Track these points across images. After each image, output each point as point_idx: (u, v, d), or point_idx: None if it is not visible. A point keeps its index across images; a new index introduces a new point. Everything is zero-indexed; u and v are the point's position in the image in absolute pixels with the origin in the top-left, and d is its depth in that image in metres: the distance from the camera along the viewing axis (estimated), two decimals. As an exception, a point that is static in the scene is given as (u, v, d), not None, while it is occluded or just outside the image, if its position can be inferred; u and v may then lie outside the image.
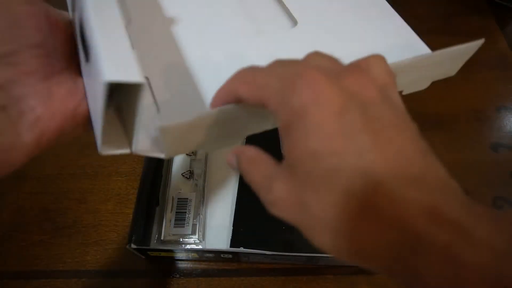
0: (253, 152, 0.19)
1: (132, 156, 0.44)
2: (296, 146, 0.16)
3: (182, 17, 0.27)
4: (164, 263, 0.40)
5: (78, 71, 0.22)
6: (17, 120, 0.19)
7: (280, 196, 0.17)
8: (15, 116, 0.19)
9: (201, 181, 0.41)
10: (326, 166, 0.15)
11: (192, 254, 0.38)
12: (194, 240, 0.38)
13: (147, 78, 0.24)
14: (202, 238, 0.38)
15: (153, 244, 0.38)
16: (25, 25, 0.19)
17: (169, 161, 0.43)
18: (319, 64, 0.17)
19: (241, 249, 0.37)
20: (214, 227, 0.39)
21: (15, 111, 0.19)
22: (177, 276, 0.39)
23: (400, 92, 0.23)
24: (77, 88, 0.21)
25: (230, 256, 0.38)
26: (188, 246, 0.38)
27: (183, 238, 0.38)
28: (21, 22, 0.19)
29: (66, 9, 0.23)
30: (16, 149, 0.19)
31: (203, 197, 0.40)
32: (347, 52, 0.20)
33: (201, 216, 0.39)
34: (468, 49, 0.22)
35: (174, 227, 0.38)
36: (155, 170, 0.41)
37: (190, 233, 0.38)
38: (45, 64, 0.20)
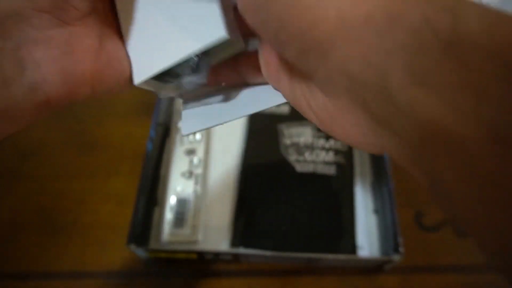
0: None
1: (131, 156, 0.44)
2: None
3: None
4: (164, 264, 0.39)
5: (105, 18, 0.17)
6: (13, 77, 0.13)
7: None
8: (11, 70, 0.13)
9: (200, 181, 0.41)
10: None
11: (192, 254, 0.38)
12: (194, 241, 0.38)
13: None
14: (202, 238, 0.38)
15: (153, 245, 0.38)
16: None
17: (169, 162, 0.43)
18: None
19: (241, 250, 0.37)
20: (214, 227, 0.39)
21: (11, 62, 0.13)
22: (177, 276, 0.39)
23: None
24: (102, 47, 0.16)
25: (230, 256, 0.38)
26: (187, 247, 0.38)
27: (182, 238, 0.38)
28: None
29: None
30: (8, 116, 0.14)
31: (202, 198, 0.40)
32: None
33: (200, 216, 0.39)
34: None
35: (174, 227, 0.38)
36: (154, 170, 0.41)
37: (189, 233, 0.38)
38: (64, 2, 0.14)
